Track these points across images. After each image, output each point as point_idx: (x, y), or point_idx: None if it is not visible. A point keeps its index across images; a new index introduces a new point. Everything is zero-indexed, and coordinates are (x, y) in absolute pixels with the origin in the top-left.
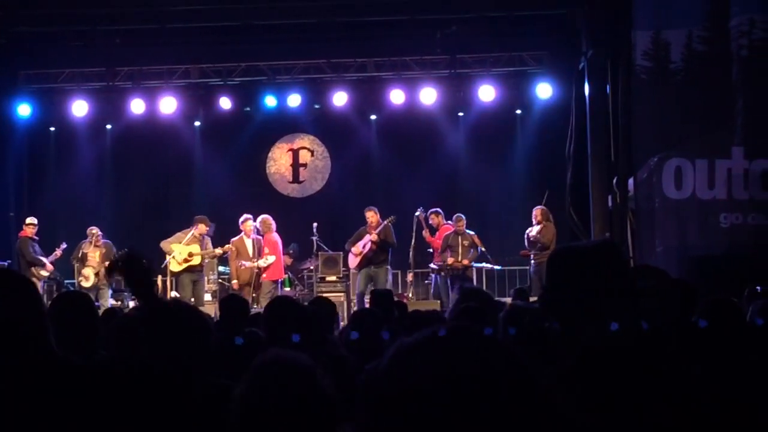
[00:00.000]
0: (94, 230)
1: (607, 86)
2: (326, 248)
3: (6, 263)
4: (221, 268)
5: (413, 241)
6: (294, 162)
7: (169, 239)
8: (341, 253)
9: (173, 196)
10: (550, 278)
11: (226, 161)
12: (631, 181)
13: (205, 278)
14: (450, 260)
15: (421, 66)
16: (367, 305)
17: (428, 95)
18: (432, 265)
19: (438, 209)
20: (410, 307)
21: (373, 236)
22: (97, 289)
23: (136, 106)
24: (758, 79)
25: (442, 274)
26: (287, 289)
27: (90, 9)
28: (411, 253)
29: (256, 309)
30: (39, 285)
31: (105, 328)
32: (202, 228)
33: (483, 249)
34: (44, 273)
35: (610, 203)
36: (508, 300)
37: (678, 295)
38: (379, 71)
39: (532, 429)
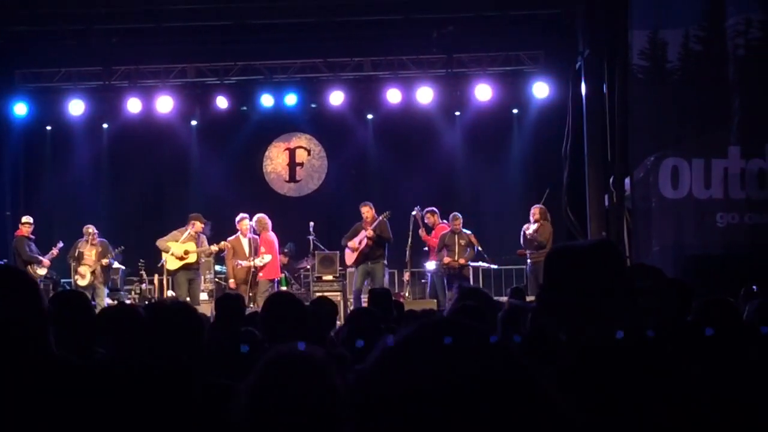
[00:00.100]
0: (91, 229)
1: (604, 86)
2: (323, 247)
3: (2, 262)
4: (218, 267)
5: (410, 240)
6: (290, 161)
7: (165, 237)
8: (338, 252)
9: (170, 195)
10: (547, 277)
11: (223, 160)
12: (627, 180)
13: (202, 277)
14: (447, 259)
15: (418, 65)
16: (365, 304)
17: (425, 94)
18: (426, 265)
19: (434, 208)
20: (407, 306)
21: (369, 232)
22: (94, 287)
23: (133, 105)
24: (754, 79)
25: (439, 273)
26: (284, 288)
27: (86, 8)
28: (408, 253)
29: (252, 308)
30: None
31: (103, 326)
32: (197, 226)
33: (479, 248)
34: (41, 271)
35: (606, 203)
36: (505, 299)
37: (674, 294)
38: (376, 70)
39: (531, 429)
